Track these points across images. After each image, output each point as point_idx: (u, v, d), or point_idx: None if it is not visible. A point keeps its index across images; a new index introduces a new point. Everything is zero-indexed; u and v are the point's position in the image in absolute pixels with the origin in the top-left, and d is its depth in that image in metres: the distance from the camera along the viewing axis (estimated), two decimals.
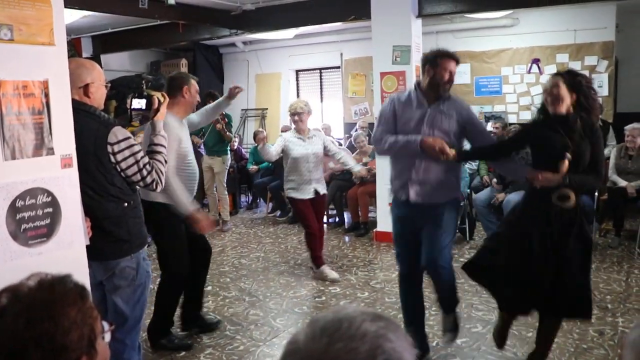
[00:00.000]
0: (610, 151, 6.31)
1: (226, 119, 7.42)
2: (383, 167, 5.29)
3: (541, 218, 2.96)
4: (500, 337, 3.36)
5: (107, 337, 1.14)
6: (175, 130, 3.56)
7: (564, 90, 2.83)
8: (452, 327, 3.50)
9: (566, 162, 2.81)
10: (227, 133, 7.25)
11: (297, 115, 5.21)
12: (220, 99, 4.43)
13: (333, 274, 5.26)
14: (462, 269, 3.29)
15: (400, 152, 3.24)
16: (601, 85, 7.70)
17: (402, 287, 3.58)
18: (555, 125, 2.88)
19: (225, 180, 7.51)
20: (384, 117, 3.35)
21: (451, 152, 3.10)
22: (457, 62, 3.25)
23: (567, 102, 2.84)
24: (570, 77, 2.87)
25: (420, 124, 3.21)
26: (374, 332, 0.79)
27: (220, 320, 4.25)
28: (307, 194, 5.21)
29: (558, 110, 2.87)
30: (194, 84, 3.79)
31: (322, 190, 5.33)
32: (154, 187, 2.71)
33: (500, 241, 3.20)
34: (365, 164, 6.70)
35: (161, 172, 2.73)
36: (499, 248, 3.13)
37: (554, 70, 7.95)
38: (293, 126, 5.45)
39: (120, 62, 9.87)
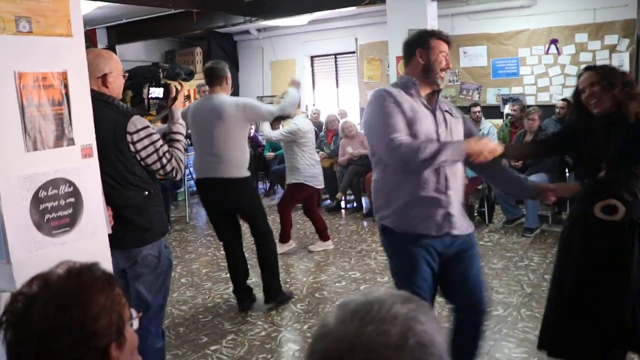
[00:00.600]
0: None
1: None
2: None
3: (587, 240, 2.68)
4: None
5: (135, 324, 1.15)
6: None
7: (602, 87, 2.59)
8: None
9: (602, 173, 2.59)
10: None
11: None
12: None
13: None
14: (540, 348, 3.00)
15: (441, 162, 2.35)
16: (622, 64, 7.55)
17: None
18: (600, 127, 2.64)
19: None
20: (394, 118, 2.39)
21: (499, 147, 2.47)
22: (449, 44, 2.54)
23: (608, 99, 2.59)
24: (604, 71, 2.64)
25: (435, 127, 2.47)
26: (404, 314, 0.78)
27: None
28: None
29: (600, 109, 2.63)
30: (229, 72, 4.23)
31: (288, 180, 5.53)
32: (174, 175, 2.72)
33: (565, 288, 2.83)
34: None
35: (180, 160, 2.75)
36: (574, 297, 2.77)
37: (573, 51, 7.88)
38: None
39: (135, 52, 9.91)
